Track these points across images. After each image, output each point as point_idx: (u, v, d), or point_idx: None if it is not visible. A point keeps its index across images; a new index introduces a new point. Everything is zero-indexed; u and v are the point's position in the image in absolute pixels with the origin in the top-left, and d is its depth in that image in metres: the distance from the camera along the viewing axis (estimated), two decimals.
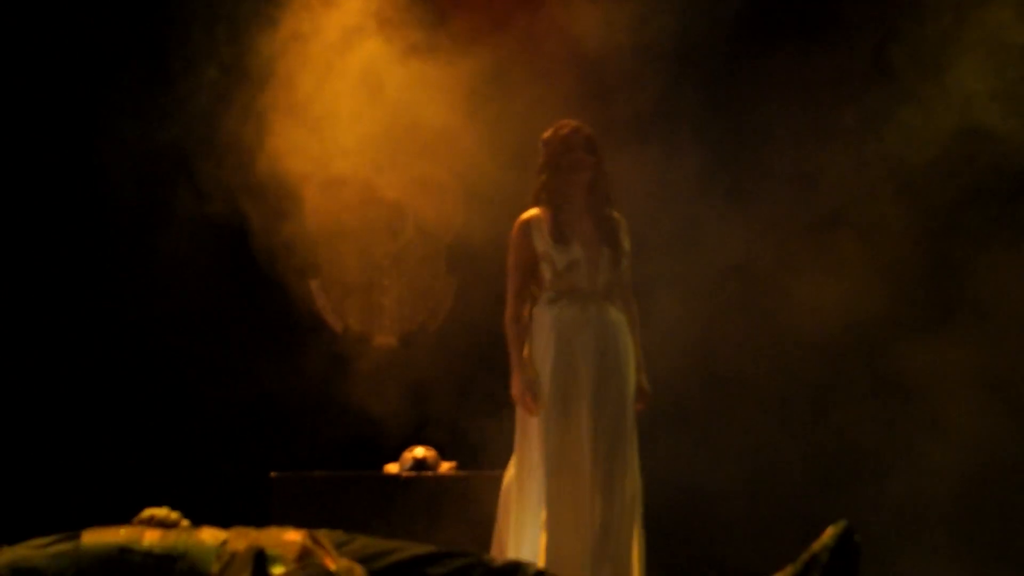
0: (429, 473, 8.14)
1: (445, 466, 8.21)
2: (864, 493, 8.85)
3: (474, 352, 9.07)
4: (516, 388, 7.03)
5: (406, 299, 9.61)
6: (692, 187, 8.75)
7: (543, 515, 6.88)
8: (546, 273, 7.04)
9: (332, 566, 4.07)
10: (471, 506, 7.92)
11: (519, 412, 7.08)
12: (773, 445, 9.07)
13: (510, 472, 7.03)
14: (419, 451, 8.19)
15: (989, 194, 9.09)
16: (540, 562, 6.80)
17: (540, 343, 7.05)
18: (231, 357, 9.20)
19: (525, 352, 7.07)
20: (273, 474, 8.16)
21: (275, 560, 4.18)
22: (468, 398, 8.94)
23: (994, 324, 9.10)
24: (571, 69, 9.07)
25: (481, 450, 8.55)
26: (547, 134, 7.16)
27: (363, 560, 4.23)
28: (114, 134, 8.84)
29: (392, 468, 8.22)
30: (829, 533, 4.40)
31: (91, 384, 9.18)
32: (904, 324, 9.08)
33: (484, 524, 7.71)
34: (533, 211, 7.14)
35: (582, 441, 6.92)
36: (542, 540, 6.85)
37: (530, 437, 7.04)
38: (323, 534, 4.33)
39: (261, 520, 4.87)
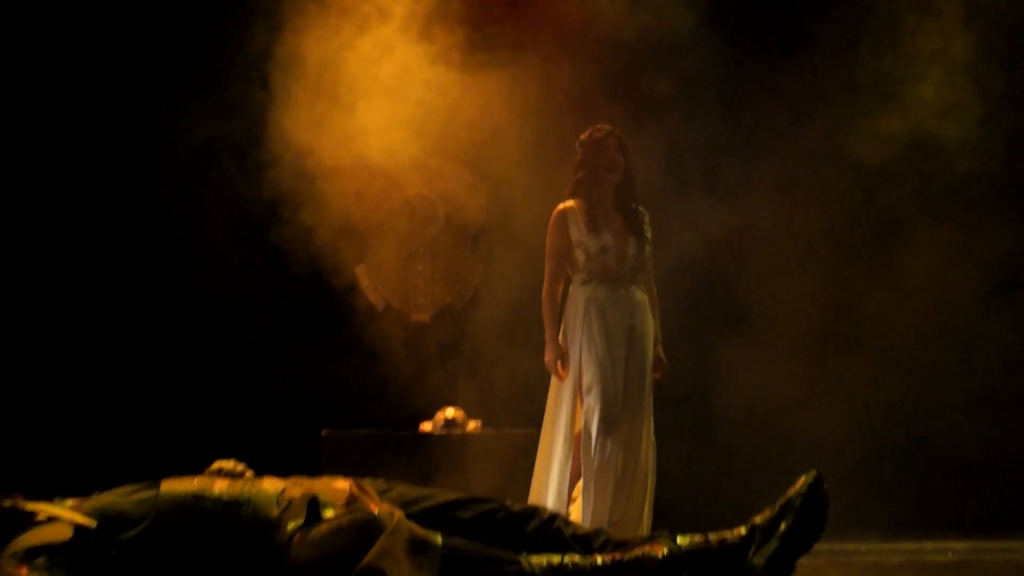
0: (458, 431, 8.15)
1: (471, 425, 8.22)
2: None
3: (496, 327, 9.07)
4: (549, 357, 7.14)
5: (438, 281, 9.61)
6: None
7: (572, 465, 6.98)
8: (580, 257, 7.13)
9: (375, 510, 4.08)
10: (493, 459, 7.94)
11: (552, 379, 7.19)
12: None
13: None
14: (449, 412, 8.20)
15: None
16: (571, 508, 6.93)
17: (574, 319, 7.13)
18: (289, 334, 9.24)
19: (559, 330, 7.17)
20: (324, 432, 8.19)
21: (326, 505, 4.20)
22: (491, 367, 8.95)
23: None
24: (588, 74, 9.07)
25: (502, 411, 8.57)
26: (583, 136, 7.25)
27: (401, 505, 4.25)
28: (171, 125, 8.84)
29: (426, 427, 8.24)
30: (802, 481, 4.40)
31: (171, 358, 9.23)
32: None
33: (505, 474, 7.75)
34: (569, 203, 7.22)
35: (611, 406, 6.98)
36: (578, 486, 6.96)
37: (559, 401, 7.13)
38: (367, 483, 4.33)
39: (314, 471, 4.87)
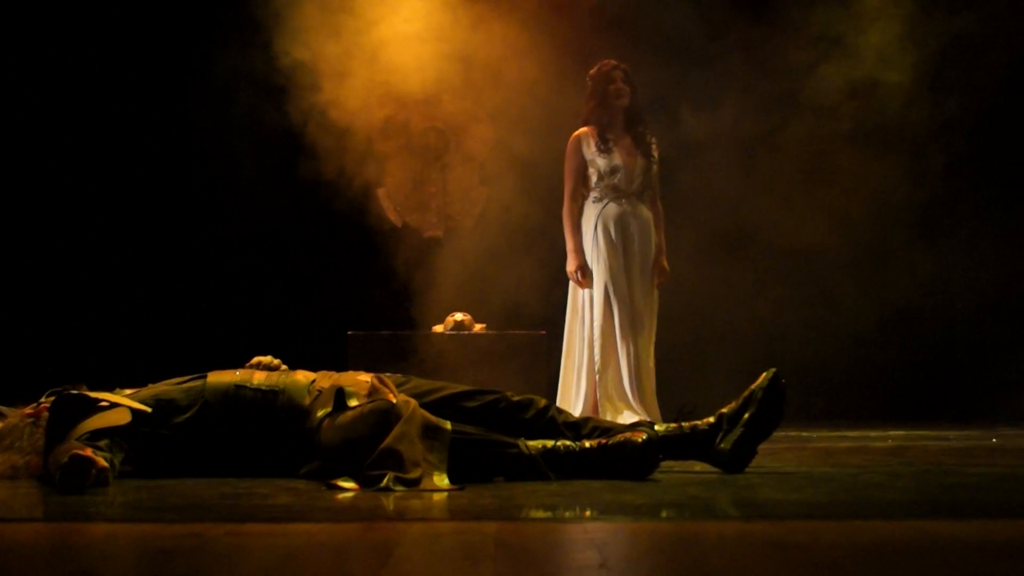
0: (465, 332, 8.17)
1: (477, 327, 8.23)
2: None
3: (498, 243, 9.07)
4: (572, 266, 7.22)
5: (449, 202, 9.61)
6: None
7: (593, 362, 7.07)
8: (592, 176, 7.20)
9: (393, 399, 4.10)
10: (496, 357, 7.96)
11: (571, 287, 7.29)
12: None
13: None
14: (458, 316, 8.20)
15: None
16: (590, 400, 7.08)
17: (588, 233, 7.20)
18: (320, 248, 9.27)
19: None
20: (350, 332, 8.21)
21: (351, 395, 4.22)
22: (495, 277, 8.95)
23: None
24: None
25: (504, 315, 8.59)
26: (593, 71, 7.33)
27: (416, 395, 4.26)
28: (205, 62, 8.77)
29: (438, 328, 8.25)
30: (763, 376, 4.43)
31: (217, 271, 9.28)
32: None
33: (505, 368, 7.78)
34: (583, 129, 7.29)
35: (620, 313, 7.09)
36: (591, 383, 7.06)
37: (578, 307, 7.25)
38: (387, 376, 4.35)
39: (340, 366, 4.89)
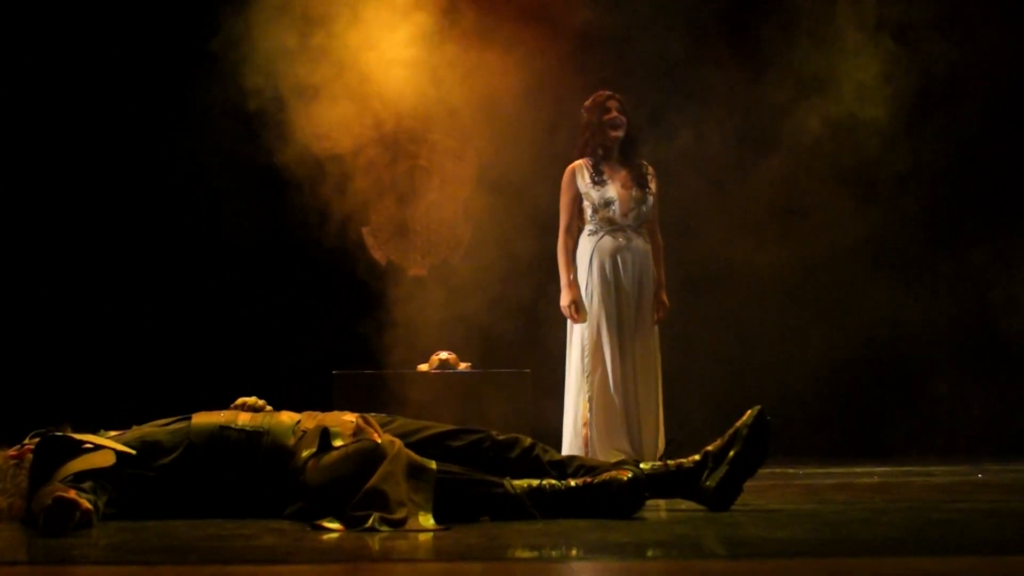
0: (450, 371, 8.15)
1: (462, 366, 8.21)
2: None
3: (483, 281, 9.07)
4: (564, 301, 7.11)
5: (433, 240, 9.61)
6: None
7: (586, 401, 6.96)
8: (587, 209, 7.10)
9: (378, 439, 4.09)
10: (481, 396, 7.94)
11: (568, 323, 7.16)
12: None
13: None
14: (443, 354, 8.18)
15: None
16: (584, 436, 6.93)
17: (583, 267, 7.10)
18: (304, 288, 9.24)
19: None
20: (335, 372, 8.19)
21: (336, 435, 4.21)
22: (479, 315, 8.95)
23: None
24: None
25: (489, 354, 8.58)
26: (588, 102, 7.23)
27: (401, 435, 4.25)
28: (192, 97, 8.72)
29: (423, 367, 8.24)
30: (748, 414, 4.43)
31: (201, 311, 9.26)
32: None
33: (490, 407, 7.75)
34: (578, 161, 7.19)
35: (620, 346, 6.99)
36: (586, 417, 6.95)
37: (575, 344, 7.11)
38: (372, 416, 4.34)
39: (325, 406, 4.88)
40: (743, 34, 9.12)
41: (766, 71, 8.96)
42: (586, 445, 6.94)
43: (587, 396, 6.97)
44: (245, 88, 8.44)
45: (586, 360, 7.03)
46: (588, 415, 6.95)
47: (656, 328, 7.14)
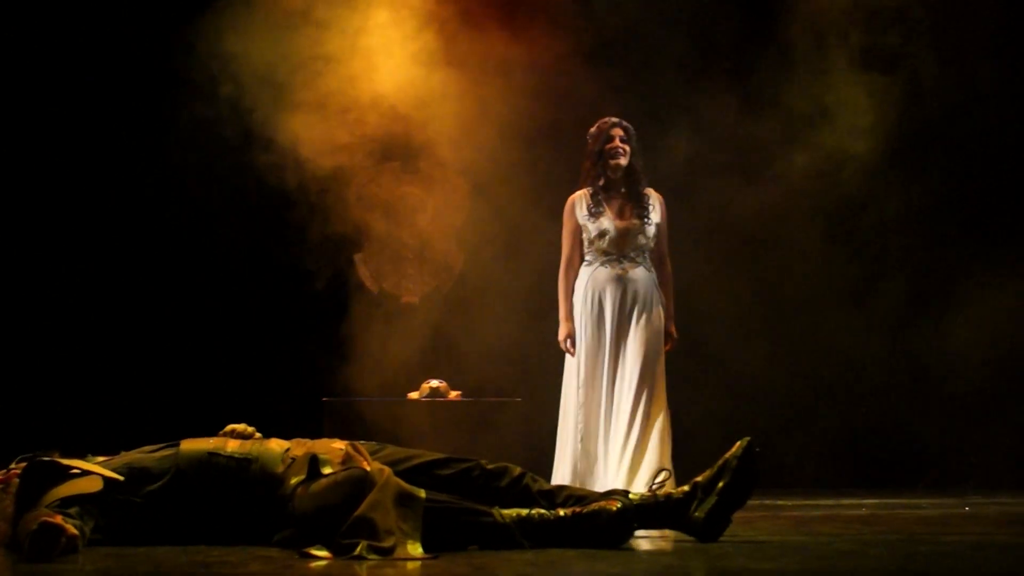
0: (441, 399, 8.13)
1: (453, 394, 8.20)
2: None
3: (475, 309, 9.07)
4: (560, 334, 7.03)
5: (426, 268, 9.60)
6: None
7: (578, 431, 6.86)
8: (585, 241, 7.01)
9: (367, 467, 4.08)
10: (472, 424, 7.93)
11: (566, 355, 7.04)
12: None
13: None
14: (434, 383, 8.16)
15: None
16: (590, 481, 6.78)
17: (579, 298, 7.00)
18: (295, 315, 9.20)
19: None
20: (325, 399, 8.17)
21: (325, 463, 4.20)
22: (472, 343, 8.95)
23: None
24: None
25: (480, 382, 8.57)
26: (592, 128, 7.09)
27: (390, 463, 4.24)
28: (179, 124, 8.66)
29: (414, 395, 8.22)
30: (738, 445, 4.42)
31: (191, 336, 9.20)
32: None
33: (481, 436, 7.73)
34: (579, 192, 7.08)
35: (612, 378, 6.88)
36: (581, 458, 6.84)
37: (571, 376, 7.01)
38: (361, 444, 4.33)
39: (315, 433, 4.86)
40: (734, 66, 9.14)
41: (752, 104, 9.00)
42: (573, 474, 6.85)
43: (580, 428, 6.90)
44: (233, 109, 8.44)
45: (581, 393, 6.93)
46: (579, 445, 6.87)
47: (662, 359, 6.97)
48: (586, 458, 6.86)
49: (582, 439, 6.88)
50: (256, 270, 9.19)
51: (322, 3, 8.53)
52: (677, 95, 8.98)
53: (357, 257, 9.41)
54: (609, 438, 6.84)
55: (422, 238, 9.60)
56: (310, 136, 8.51)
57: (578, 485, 6.69)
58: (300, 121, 8.50)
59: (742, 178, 9.05)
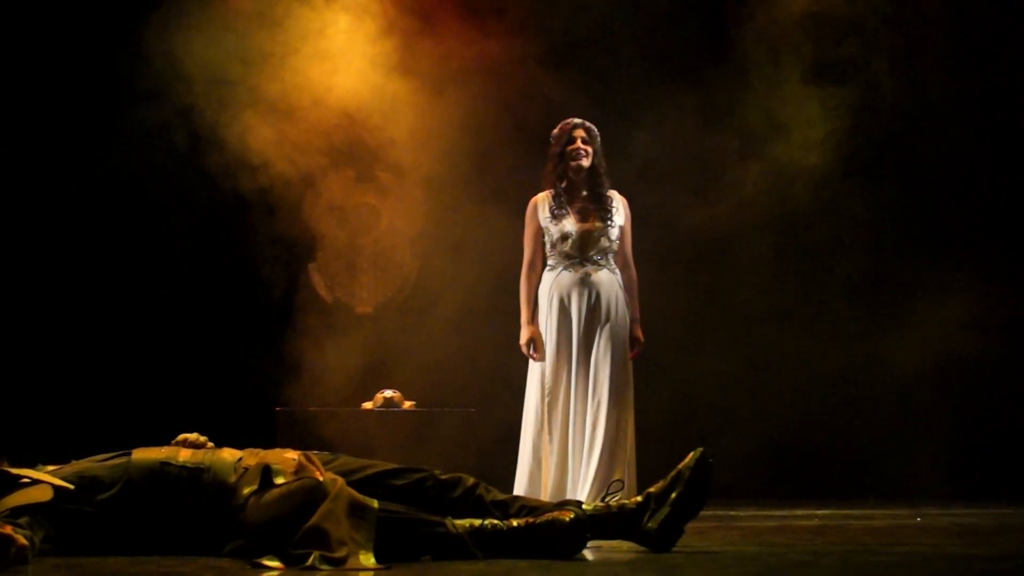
0: (395, 409, 8.12)
1: (407, 404, 8.19)
2: None
3: (429, 319, 9.07)
4: (522, 339, 6.85)
5: (380, 278, 9.59)
6: None
7: (544, 445, 6.72)
8: (547, 243, 6.86)
9: (320, 477, 4.06)
10: (426, 434, 7.92)
11: (529, 361, 6.87)
12: None
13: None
14: (388, 392, 8.15)
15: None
16: (551, 486, 6.68)
17: (543, 303, 6.84)
18: (249, 323, 9.15)
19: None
20: (278, 409, 8.14)
21: (278, 473, 4.17)
22: (425, 354, 8.94)
23: None
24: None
25: (434, 392, 8.56)
26: (555, 130, 6.92)
27: (343, 473, 4.22)
28: (131, 128, 8.62)
29: (368, 405, 8.20)
30: (691, 456, 4.42)
31: (143, 345, 9.14)
32: None
33: (435, 446, 7.72)
34: (541, 194, 6.93)
35: (576, 383, 6.72)
36: (544, 466, 6.71)
37: (534, 382, 6.85)
38: (314, 454, 4.31)
39: (268, 443, 4.84)
40: (688, 78, 9.17)
41: (706, 115, 9.04)
42: (529, 483, 6.77)
43: (546, 434, 6.76)
44: (190, 123, 8.40)
45: (546, 401, 6.76)
46: (542, 453, 6.76)
47: (629, 364, 6.83)
48: (550, 464, 6.74)
49: (549, 448, 6.73)
50: (208, 277, 9.14)
51: (279, 5, 8.51)
52: (630, 106, 9.00)
53: (311, 266, 9.39)
54: (575, 445, 6.70)
55: (377, 248, 9.59)
56: (263, 142, 8.49)
57: (541, 492, 6.66)
58: (253, 126, 8.48)
59: (694, 189, 9.07)
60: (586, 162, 6.84)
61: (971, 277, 9.14)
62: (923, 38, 9.13)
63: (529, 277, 6.91)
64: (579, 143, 6.83)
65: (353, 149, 9.04)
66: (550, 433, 6.74)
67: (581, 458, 6.68)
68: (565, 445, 6.72)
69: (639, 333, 6.88)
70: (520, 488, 6.71)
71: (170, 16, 8.30)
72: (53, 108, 9.03)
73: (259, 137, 8.50)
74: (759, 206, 9.16)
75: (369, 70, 8.66)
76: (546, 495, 6.61)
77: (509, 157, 8.85)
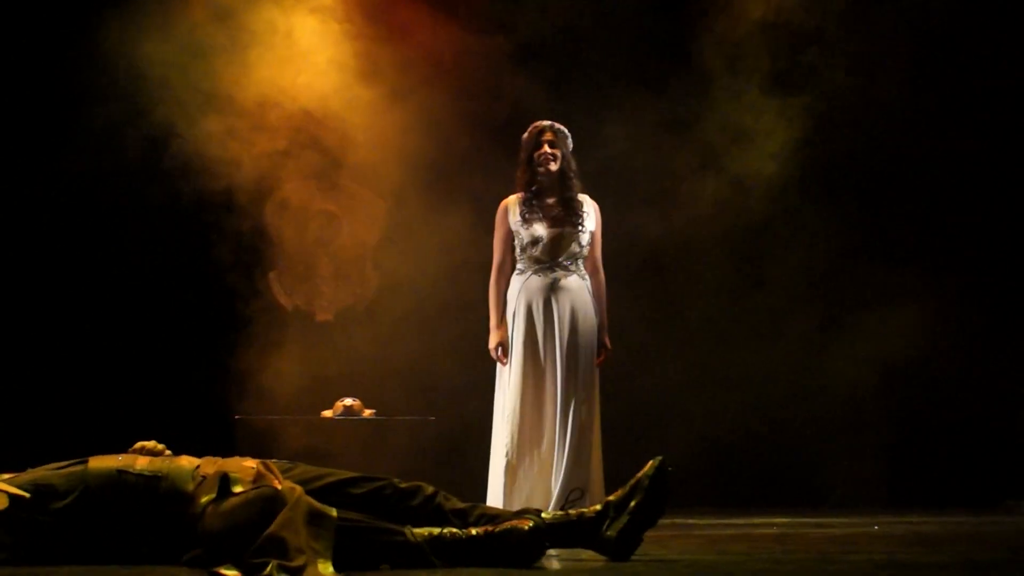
0: (355, 418, 8.11)
1: (367, 413, 8.18)
2: None
3: (390, 327, 9.06)
4: (490, 343, 6.77)
5: (340, 287, 9.57)
6: None
7: (514, 451, 6.62)
8: (517, 247, 6.77)
9: (279, 486, 4.05)
10: (386, 443, 7.91)
11: (497, 366, 6.79)
12: None
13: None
14: (348, 401, 8.14)
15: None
16: (515, 493, 6.58)
17: (511, 307, 6.74)
18: (209, 331, 9.09)
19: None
20: (237, 416, 8.11)
21: (236, 481, 4.16)
22: (385, 362, 8.93)
23: None
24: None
25: (394, 400, 8.56)
26: (526, 134, 6.81)
27: (302, 482, 4.21)
28: (87, 140, 8.57)
29: (327, 413, 8.19)
30: (650, 464, 4.44)
31: (100, 352, 9.06)
32: None
33: (395, 455, 7.71)
34: (512, 197, 6.84)
35: (544, 389, 6.64)
36: (517, 475, 6.61)
37: (502, 387, 6.77)
38: (272, 462, 4.30)
39: (227, 451, 4.82)
40: (645, 87, 9.19)
41: (664, 126, 9.07)
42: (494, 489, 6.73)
43: (513, 442, 6.61)
44: (140, 119, 8.37)
45: (515, 407, 6.65)
46: (506, 459, 6.69)
47: (596, 371, 6.76)
48: (518, 469, 6.67)
49: (516, 454, 6.61)
50: (167, 284, 9.09)
51: (241, 7, 8.49)
52: (584, 116, 9.02)
53: (271, 274, 9.36)
54: (543, 450, 6.63)
55: (337, 255, 9.57)
56: (223, 148, 8.48)
57: (513, 497, 6.59)
58: (212, 131, 8.46)
59: (649, 198, 9.08)
60: (554, 166, 6.75)
61: (920, 287, 9.19)
62: (881, 49, 9.18)
63: (498, 281, 6.83)
64: (546, 147, 6.75)
65: (315, 155, 9.03)
66: (519, 438, 6.65)
67: (550, 464, 6.60)
68: (536, 450, 6.64)
69: (606, 340, 6.82)
70: (492, 494, 6.67)
71: (126, 16, 8.26)
72: (3, 110, 8.94)
73: (218, 143, 8.49)
74: (713, 215, 9.18)
75: (332, 74, 8.66)
76: (518, 501, 6.54)
77: (471, 163, 8.86)
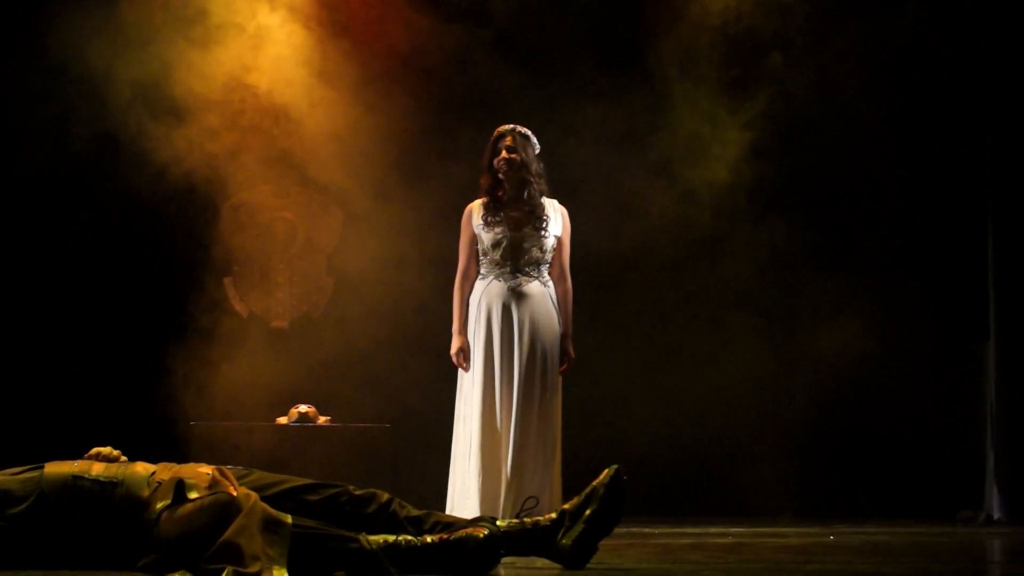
0: (310, 425, 8.11)
1: (322, 420, 8.18)
2: None
3: (345, 334, 9.07)
4: (452, 348, 6.75)
5: (295, 293, 9.57)
6: None
7: (474, 456, 6.60)
8: (480, 252, 6.75)
9: (234, 492, 4.06)
10: (341, 450, 7.91)
11: (459, 372, 6.77)
12: None
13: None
14: (303, 408, 8.13)
15: None
16: (474, 500, 6.56)
17: (472, 312, 6.73)
18: (163, 338, 9.05)
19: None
20: (192, 423, 8.10)
21: (191, 487, 4.17)
22: (340, 369, 8.94)
23: None
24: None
25: (349, 406, 8.56)
26: (492, 138, 6.79)
27: (257, 488, 4.23)
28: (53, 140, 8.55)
29: (282, 420, 8.18)
30: (605, 473, 4.46)
31: (55, 358, 9.02)
32: None
33: (350, 462, 7.71)
34: (476, 201, 6.81)
35: (502, 395, 6.61)
36: (475, 482, 6.58)
37: (463, 393, 6.75)
38: (228, 468, 4.31)
39: (182, 458, 4.84)
40: (599, 96, 9.22)
41: (618, 134, 9.11)
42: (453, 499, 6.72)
43: (476, 445, 6.59)
44: (103, 128, 8.33)
45: (475, 414, 6.64)
46: (468, 466, 6.66)
47: (559, 379, 6.74)
48: (476, 476, 6.61)
49: (480, 464, 6.59)
50: (122, 289, 9.06)
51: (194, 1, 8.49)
52: (539, 123, 9.05)
53: (226, 280, 9.35)
54: (500, 458, 6.60)
55: (293, 261, 9.57)
56: (177, 149, 8.47)
57: (473, 504, 6.59)
58: (166, 132, 8.45)
59: (602, 208, 9.10)
60: (512, 171, 6.73)
61: (872, 300, 9.27)
62: (839, 59, 9.25)
63: (462, 286, 6.80)
64: (504, 153, 6.72)
65: (271, 158, 9.04)
66: (480, 444, 6.62)
67: (509, 472, 6.59)
68: (495, 457, 6.62)
69: (570, 348, 6.78)
70: (451, 500, 6.68)
71: (75, 11, 8.23)
72: None
73: (173, 144, 8.48)
74: (667, 226, 9.22)
75: (290, 76, 8.66)
76: (476, 508, 6.53)
77: (429, 169, 8.88)
